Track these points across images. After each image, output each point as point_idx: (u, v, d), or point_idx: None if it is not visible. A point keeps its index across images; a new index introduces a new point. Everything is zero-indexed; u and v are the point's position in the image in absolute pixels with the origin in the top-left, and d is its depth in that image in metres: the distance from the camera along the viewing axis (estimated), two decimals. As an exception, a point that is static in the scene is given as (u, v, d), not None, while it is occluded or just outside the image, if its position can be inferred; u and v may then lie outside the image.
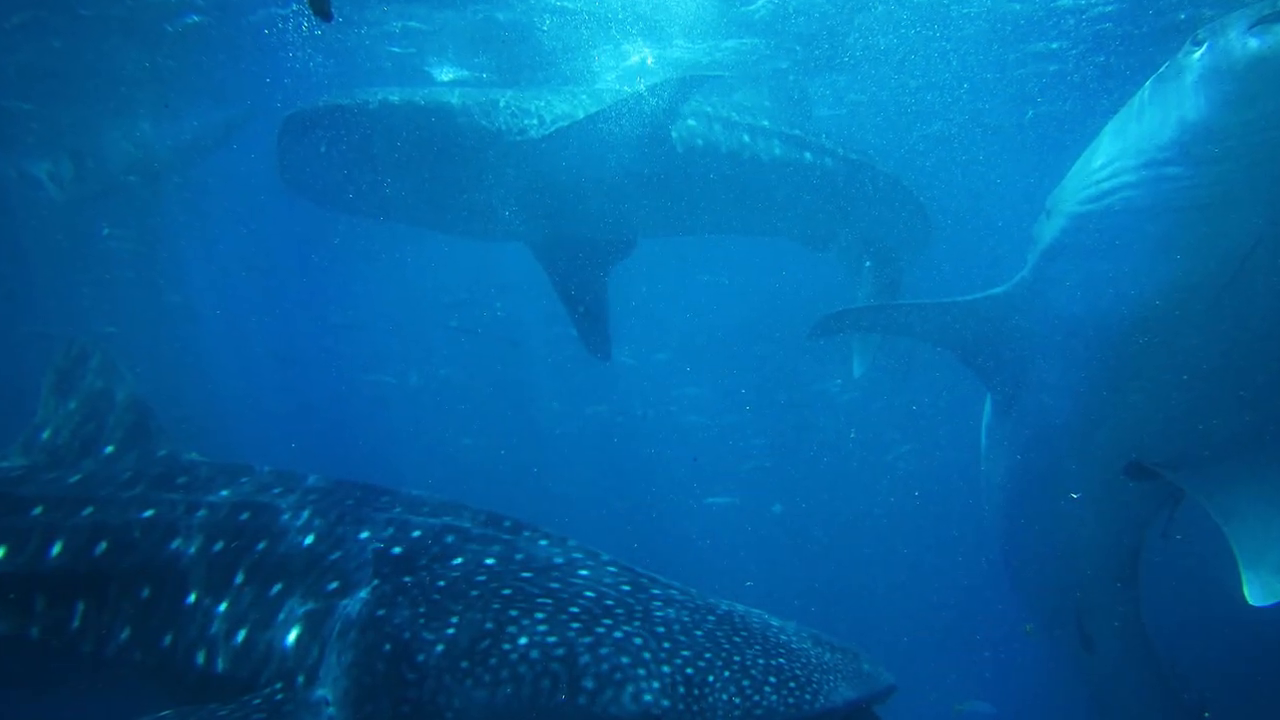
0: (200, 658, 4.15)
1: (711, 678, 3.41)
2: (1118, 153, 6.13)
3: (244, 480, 4.87)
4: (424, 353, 30.97)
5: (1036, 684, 12.22)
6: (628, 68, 13.17)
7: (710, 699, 3.35)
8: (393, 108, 9.28)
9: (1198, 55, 5.51)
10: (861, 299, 12.70)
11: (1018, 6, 12.10)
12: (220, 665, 4.10)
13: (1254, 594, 6.25)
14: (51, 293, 22.21)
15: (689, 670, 3.44)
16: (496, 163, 9.48)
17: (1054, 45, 13.22)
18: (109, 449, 5.39)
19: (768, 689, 3.38)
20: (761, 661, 3.50)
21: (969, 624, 19.96)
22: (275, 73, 13.88)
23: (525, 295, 22.04)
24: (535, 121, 9.50)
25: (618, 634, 3.58)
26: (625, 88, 12.18)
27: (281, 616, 4.09)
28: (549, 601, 3.74)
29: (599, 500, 31.62)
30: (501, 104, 9.53)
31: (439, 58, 13.38)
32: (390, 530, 4.33)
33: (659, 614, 3.72)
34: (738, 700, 3.34)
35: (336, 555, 4.23)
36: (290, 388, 33.54)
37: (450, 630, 3.66)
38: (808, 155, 10.79)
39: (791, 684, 3.42)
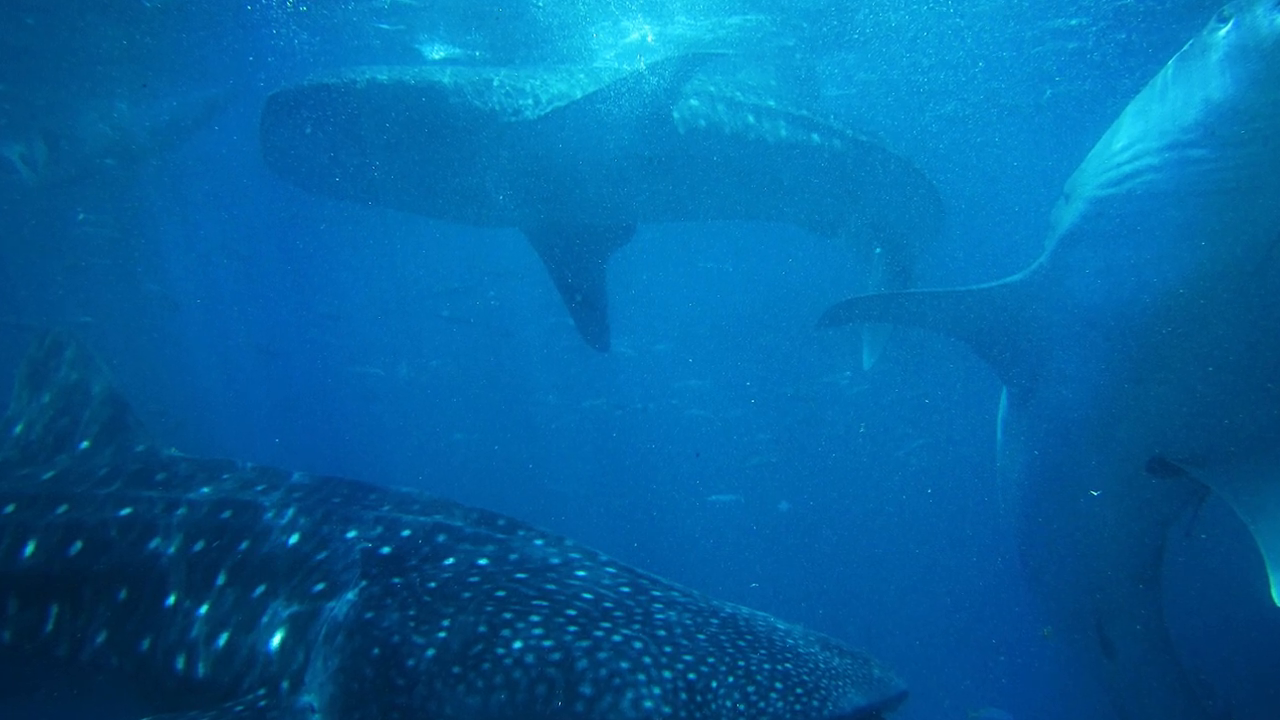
0: (180, 662, 4.15)
1: (715, 684, 3.40)
2: (1140, 134, 6.11)
3: (225, 477, 4.86)
4: (414, 343, 31.01)
5: (1054, 690, 12.23)
6: (627, 45, 13.16)
7: (714, 706, 3.34)
8: (381, 87, 9.26)
9: (1223, 32, 5.50)
10: (872, 287, 12.70)
11: (1035, -19, 12.12)
12: (201, 670, 4.10)
13: (1282, 595, 6.24)
14: (24, 281, 22.26)
15: (691, 676, 3.43)
16: (490, 145, 9.47)
17: (1073, 22, 13.21)
18: (84, 444, 5.39)
19: (774, 695, 3.37)
20: (767, 667, 3.49)
21: (984, 627, 20.00)
22: (258, 51, 13.87)
23: (520, 283, 22.08)
24: (530, 101, 9.49)
25: (616, 638, 3.57)
26: (625, 66, 12.19)
27: (265, 619, 4.08)
28: (545, 604, 3.74)
29: (597, 498, 31.70)
30: (495, 83, 9.52)
31: (429, 35, 13.36)
32: (379, 529, 4.32)
33: (660, 617, 3.72)
34: (742, 707, 3.33)
35: (322, 555, 4.22)
36: (274, 380, 33.63)
37: (441, 634, 3.66)
38: (815, 137, 10.78)
39: (798, 690, 3.41)
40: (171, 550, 4.43)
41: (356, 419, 34.76)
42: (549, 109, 9.36)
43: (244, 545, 4.36)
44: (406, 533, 4.27)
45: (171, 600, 4.29)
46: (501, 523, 4.41)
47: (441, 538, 4.22)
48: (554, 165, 9.74)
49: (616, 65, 12.97)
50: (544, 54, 13.16)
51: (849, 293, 11.43)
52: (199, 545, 4.42)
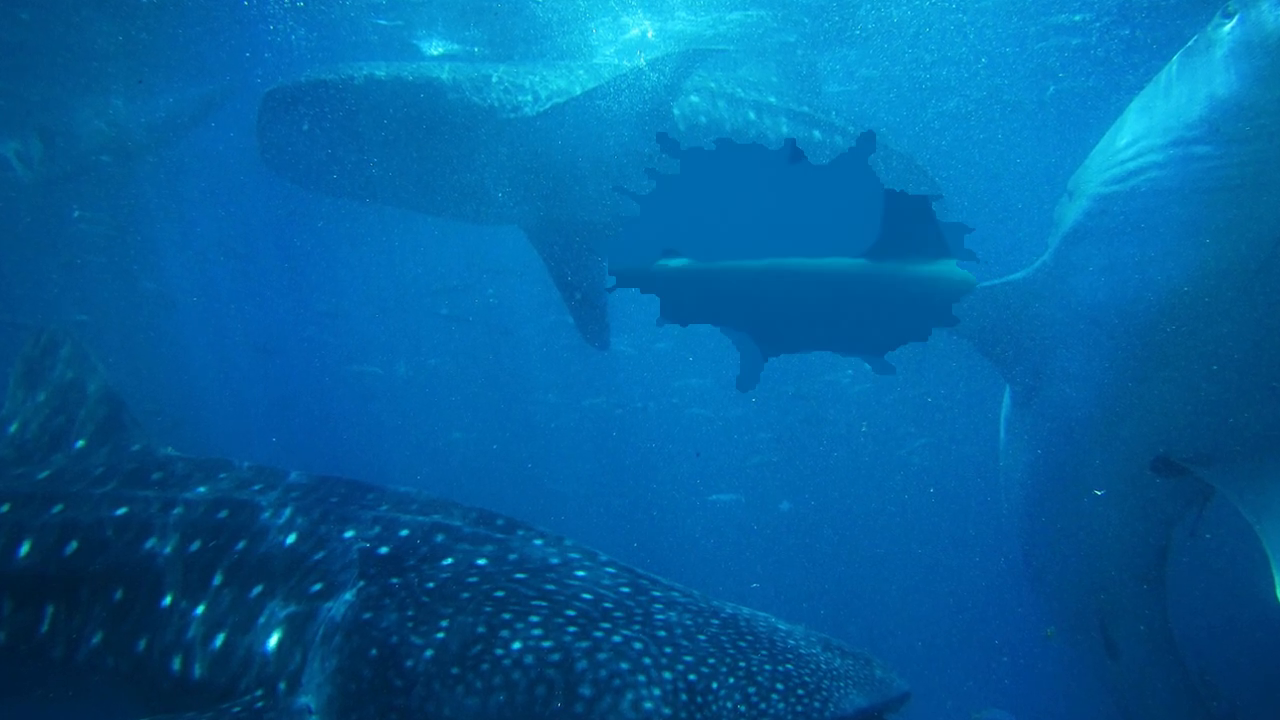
0: (176, 663, 4.14)
1: (715, 684, 3.40)
2: (1144, 131, 6.11)
3: (222, 476, 4.86)
4: (412, 342, 30.99)
5: (1058, 691, 12.23)
6: (627, 41, 13.15)
7: (714, 707, 3.33)
8: (379, 83, 9.25)
9: (1228, 28, 5.49)
10: (873, 285, 12.68)
11: (1039, -24, 12.12)
12: (197, 671, 4.09)
13: (1287, 596, 6.23)
14: (19, 279, 22.21)
15: (692, 677, 3.43)
16: (489, 141, 9.47)
17: (1077, 17, 13.20)
18: (80, 443, 5.38)
19: (775, 696, 3.37)
20: (768, 668, 3.49)
21: (987, 628, 20.00)
22: (255, 46, 13.86)
23: (519, 281, 22.06)
24: (530, 98, 9.48)
25: (616, 638, 3.57)
26: (624, 62, 12.18)
27: (262, 620, 4.08)
28: (544, 604, 3.73)
29: (597, 497, 31.68)
30: (494, 79, 9.52)
31: (428, 31, 13.35)
32: (376, 529, 4.31)
33: (660, 617, 3.72)
34: (743, 708, 3.33)
35: (320, 555, 4.22)
36: (271, 379, 33.58)
37: (440, 634, 3.65)
38: (816, 133, 10.78)
39: (800, 691, 3.40)
40: (168, 550, 4.43)
41: (354, 418, 34.75)
42: (548, 105, 9.36)
43: (241, 545, 4.36)
44: (404, 532, 4.26)
45: (168, 600, 4.29)
46: (500, 522, 4.41)
47: (440, 538, 4.22)
48: (553, 162, 9.74)
49: (616, 61, 12.96)
50: (543, 50, 13.15)
51: (851, 291, 11.41)
52: (195, 545, 4.42)
